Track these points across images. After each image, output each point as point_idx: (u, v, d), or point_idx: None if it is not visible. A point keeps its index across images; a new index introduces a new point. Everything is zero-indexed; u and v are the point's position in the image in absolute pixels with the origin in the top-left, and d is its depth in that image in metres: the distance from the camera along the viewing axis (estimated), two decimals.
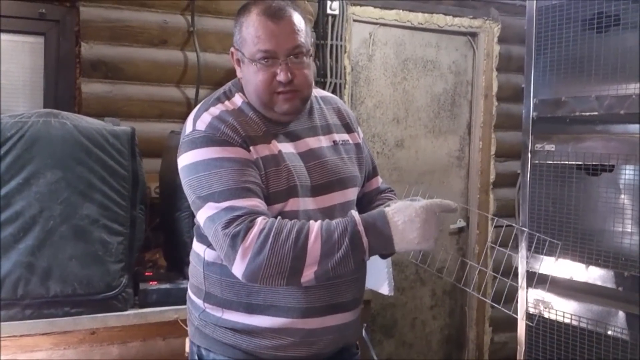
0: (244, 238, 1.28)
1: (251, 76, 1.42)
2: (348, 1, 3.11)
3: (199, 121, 1.42)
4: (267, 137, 1.44)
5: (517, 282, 2.21)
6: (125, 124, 2.25)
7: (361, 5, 3.18)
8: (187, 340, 2.23)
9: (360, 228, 1.29)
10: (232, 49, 1.48)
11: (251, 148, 1.40)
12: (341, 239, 1.28)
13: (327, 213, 1.46)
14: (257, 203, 1.34)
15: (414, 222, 1.29)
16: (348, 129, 1.61)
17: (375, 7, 3.22)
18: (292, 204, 1.42)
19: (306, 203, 1.44)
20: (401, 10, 3.29)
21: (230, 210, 1.31)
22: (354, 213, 1.34)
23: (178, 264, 2.31)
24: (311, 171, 1.47)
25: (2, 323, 1.95)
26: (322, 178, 1.48)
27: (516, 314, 2.20)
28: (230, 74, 2.92)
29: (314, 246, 1.28)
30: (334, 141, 1.55)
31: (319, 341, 1.47)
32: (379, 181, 1.74)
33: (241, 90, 1.50)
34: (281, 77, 1.39)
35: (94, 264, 2.03)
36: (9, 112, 2.21)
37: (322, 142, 1.52)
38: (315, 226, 1.30)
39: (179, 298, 2.16)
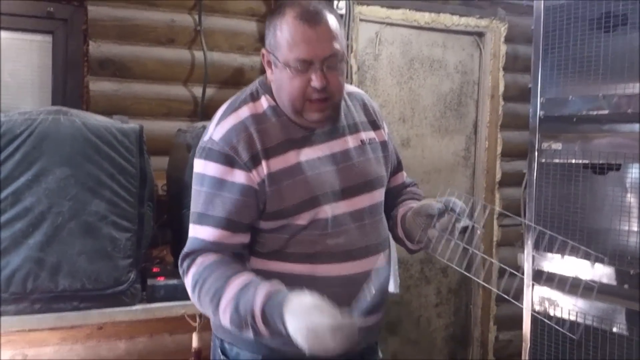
0: (185, 276, 1.47)
1: (285, 81, 1.40)
2: (355, 0, 3.12)
3: (219, 126, 1.43)
4: (286, 146, 1.43)
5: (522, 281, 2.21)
6: (132, 122, 2.26)
7: (368, 4, 3.18)
8: (195, 335, 2.25)
9: (258, 320, 1.29)
10: (263, 51, 1.45)
11: (263, 162, 1.40)
12: (245, 319, 1.32)
13: (356, 216, 1.47)
14: (224, 235, 1.42)
15: (302, 331, 1.20)
16: (374, 125, 1.60)
17: (381, 6, 3.22)
18: (320, 213, 1.43)
19: (334, 208, 1.44)
20: (408, 10, 3.29)
21: (191, 241, 1.47)
22: (259, 298, 1.29)
23: None
24: (339, 174, 1.47)
25: (12, 317, 1.97)
26: (350, 181, 1.48)
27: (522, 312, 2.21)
28: (238, 73, 2.96)
29: (224, 314, 1.35)
30: (361, 140, 1.53)
31: None
32: (404, 176, 1.73)
33: (269, 92, 1.47)
34: (316, 83, 1.37)
35: (103, 259, 2.05)
36: (18, 110, 2.23)
37: (349, 143, 1.51)
38: (229, 294, 1.33)
39: (186, 294, 2.16)
